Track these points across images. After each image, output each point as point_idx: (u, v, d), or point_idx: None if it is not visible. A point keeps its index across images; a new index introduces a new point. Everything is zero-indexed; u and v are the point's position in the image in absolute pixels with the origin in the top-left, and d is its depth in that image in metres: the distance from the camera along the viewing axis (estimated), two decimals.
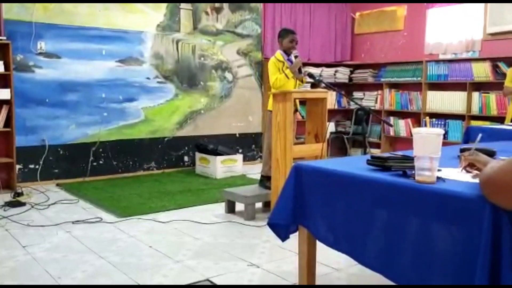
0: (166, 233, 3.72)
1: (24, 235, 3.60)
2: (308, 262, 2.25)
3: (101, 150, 5.83)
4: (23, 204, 4.47)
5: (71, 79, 5.57)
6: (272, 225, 2.28)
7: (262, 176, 4.54)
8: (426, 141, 1.62)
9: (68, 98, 5.57)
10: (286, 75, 4.26)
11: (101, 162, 5.84)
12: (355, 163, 2.09)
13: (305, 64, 7.19)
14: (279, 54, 4.43)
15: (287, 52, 4.42)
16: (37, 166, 5.41)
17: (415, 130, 1.67)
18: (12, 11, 5.14)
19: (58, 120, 5.52)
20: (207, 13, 6.58)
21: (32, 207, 4.43)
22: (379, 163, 1.92)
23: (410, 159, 1.80)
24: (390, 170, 1.86)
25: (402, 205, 1.68)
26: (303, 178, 2.15)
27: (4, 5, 5.09)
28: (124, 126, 5.99)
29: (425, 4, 6.84)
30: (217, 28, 6.68)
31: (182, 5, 6.34)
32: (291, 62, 4.36)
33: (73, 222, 3.95)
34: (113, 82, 5.85)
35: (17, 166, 5.20)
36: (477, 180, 1.53)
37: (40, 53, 5.35)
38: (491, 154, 2.05)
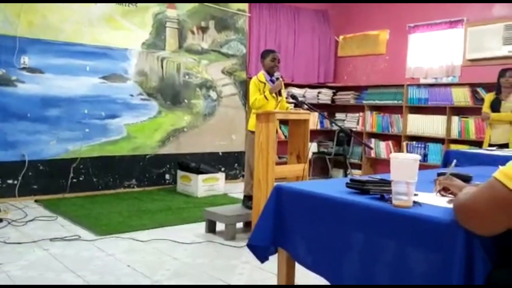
0: (145, 252, 3.68)
1: None
2: (287, 284, 2.24)
3: (81, 166, 5.77)
4: (0, 220, 4.39)
5: (54, 95, 5.54)
6: (251, 247, 2.28)
7: (244, 196, 4.54)
8: (403, 166, 1.65)
9: (50, 114, 5.53)
10: (265, 96, 4.29)
11: (81, 178, 5.78)
12: (335, 186, 2.11)
13: (288, 85, 7.28)
14: (261, 74, 4.48)
15: (270, 73, 4.47)
16: (15, 182, 5.33)
17: (393, 155, 1.70)
18: None
19: (39, 135, 5.47)
20: (193, 32, 6.63)
21: (9, 223, 4.35)
22: (357, 186, 1.94)
23: (388, 183, 1.83)
24: (368, 194, 1.88)
25: (379, 228, 1.71)
26: (284, 200, 2.16)
27: None
28: (106, 142, 5.96)
29: (407, 29, 7.00)
30: (202, 47, 6.73)
31: (168, 23, 6.38)
32: (273, 83, 4.40)
33: (50, 240, 3.89)
34: (96, 99, 5.83)
35: None
36: (451, 205, 1.56)
37: (23, 68, 5.32)
38: (467, 179, 2.09)
